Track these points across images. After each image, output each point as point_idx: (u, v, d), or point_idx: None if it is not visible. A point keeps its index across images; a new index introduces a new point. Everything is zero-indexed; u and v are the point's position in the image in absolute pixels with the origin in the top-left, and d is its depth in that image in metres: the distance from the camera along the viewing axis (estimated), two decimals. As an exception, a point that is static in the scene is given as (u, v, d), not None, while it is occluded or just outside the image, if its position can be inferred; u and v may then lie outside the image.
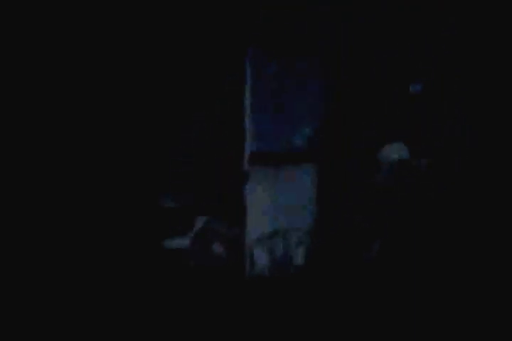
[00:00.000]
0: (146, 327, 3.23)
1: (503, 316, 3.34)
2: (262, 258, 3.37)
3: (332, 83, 3.55)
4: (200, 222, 3.38)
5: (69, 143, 3.37)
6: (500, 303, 3.38)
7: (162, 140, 3.50)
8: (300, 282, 3.40)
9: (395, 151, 3.50)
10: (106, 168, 3.41)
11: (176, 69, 3.54)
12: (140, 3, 3.46)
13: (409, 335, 3.33)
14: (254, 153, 3.32)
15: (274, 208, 3.38)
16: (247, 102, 3.42)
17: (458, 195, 3.60)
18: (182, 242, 3.38)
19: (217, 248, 3.39)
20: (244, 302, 3.35)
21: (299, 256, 3.39)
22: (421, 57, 3.65)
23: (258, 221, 3.40)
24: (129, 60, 3.46)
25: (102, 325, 3.20)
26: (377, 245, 3.54)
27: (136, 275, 3.35)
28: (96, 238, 3.37)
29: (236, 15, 3.50)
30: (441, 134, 3.66)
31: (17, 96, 3.26)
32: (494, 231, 3.52)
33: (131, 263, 3.37)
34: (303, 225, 3.44)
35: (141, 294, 3.30)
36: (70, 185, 3.36)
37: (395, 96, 3.70)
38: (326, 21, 3.58)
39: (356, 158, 3.62)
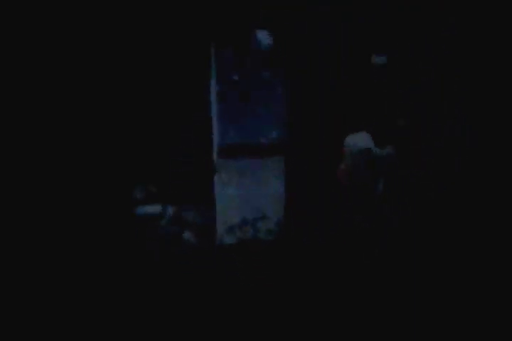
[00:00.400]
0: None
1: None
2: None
3: (296, 89, 3.67)
4: (170, 210, 3.61)
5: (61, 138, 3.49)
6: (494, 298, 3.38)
7: (144, 138, 3.67)
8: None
9: (360, 140, 3.52)
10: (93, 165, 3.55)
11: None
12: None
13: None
14: (221, 147, 3.49)
15: (242, 198, 3.53)
16: (213, 103, 3.58)
17: (457, 195, 3.58)
18: (153, 209, 3.66)
19: (188, 235, 3.59)
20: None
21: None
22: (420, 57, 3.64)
23: (227, 211, 3.56)
24: (129, 64, 3.60)
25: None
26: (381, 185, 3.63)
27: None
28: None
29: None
30: (437, 134, 3.63)
31: (14, 97, 3.36)
32: (492, 227, 3.50)
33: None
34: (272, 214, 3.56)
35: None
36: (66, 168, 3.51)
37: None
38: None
39: (322, 149, 3.68)
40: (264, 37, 3.63)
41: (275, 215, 3.60)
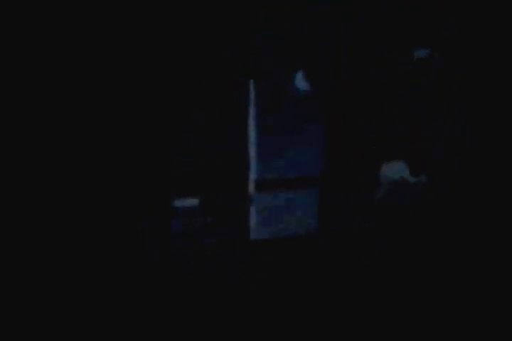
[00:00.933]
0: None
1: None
2: None
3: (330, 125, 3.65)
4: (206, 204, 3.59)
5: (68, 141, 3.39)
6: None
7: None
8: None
9: (394, 171, 3.55)
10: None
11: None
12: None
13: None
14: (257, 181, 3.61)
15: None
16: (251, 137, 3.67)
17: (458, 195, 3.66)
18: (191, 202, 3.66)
19: (222, 229, 3.60)
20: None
21: None
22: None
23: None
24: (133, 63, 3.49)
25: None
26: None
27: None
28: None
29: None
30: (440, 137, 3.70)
31: (17, 97, 3.26)
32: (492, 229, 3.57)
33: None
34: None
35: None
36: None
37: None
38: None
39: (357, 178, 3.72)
40: (302, 78, 3.52)
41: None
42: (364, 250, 3.59)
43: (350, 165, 3.85)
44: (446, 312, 3.34)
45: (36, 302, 3.23)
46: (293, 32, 3.77)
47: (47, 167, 3.34)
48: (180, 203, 3.58)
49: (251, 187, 3.78)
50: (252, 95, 3.77)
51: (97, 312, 3.24)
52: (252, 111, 3.80)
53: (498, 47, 3.58)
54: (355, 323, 3.35)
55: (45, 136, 3.33)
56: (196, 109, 3.64)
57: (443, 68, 3.63)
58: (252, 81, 3.75)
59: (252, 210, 3.72)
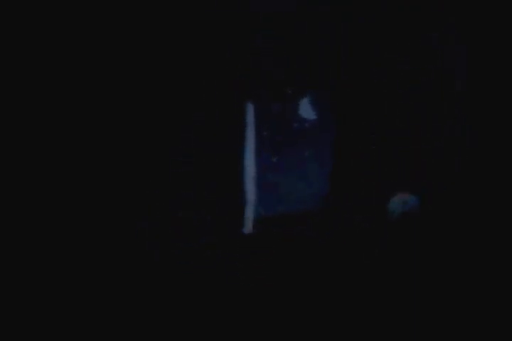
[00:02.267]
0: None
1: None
2: None
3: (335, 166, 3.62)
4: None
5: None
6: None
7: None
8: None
9: (400, 204, 3.58)
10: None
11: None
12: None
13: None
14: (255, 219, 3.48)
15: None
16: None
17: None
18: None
19: None
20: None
21: None
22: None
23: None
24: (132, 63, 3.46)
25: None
26: None
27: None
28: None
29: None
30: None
31: (15, 97, 3.26)
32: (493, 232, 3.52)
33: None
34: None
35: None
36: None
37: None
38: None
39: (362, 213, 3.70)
40: (308, 106, 3.43)
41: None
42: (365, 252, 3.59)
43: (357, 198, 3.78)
44: (446, 312, 3.37)
45: (35, 302, 3.20)
46: (298, 48, 3.49)
47: (55, 164, 3.36)
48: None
49: (248, 226, 3.51)
50: (249, 118, 3.46)
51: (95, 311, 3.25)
52: (249, 142, 3.48)
53: (498, 47, 3.59)
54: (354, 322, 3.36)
55: (49, 136, 3.35)
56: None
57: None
58: (249, 106, 3.43)
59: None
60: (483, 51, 3.65)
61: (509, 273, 3.41)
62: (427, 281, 3.44)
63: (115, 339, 3.19)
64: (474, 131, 3.63)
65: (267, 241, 3.51)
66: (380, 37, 3.63)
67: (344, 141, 3.62)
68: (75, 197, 3.35)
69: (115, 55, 3.39)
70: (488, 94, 3.64)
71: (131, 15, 3.40)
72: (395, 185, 3.63)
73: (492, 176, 3.58)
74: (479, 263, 3.47)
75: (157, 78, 3.45)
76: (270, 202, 3.55)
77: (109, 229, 3.38)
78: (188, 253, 3.48)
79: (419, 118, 3.67)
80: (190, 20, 3.44)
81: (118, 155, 3.45)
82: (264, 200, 3.54)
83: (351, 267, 3.51)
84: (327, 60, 3.59)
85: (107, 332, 3.20)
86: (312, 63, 3.58)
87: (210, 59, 3.43)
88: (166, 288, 3.39)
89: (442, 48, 3.63)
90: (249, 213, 3.52)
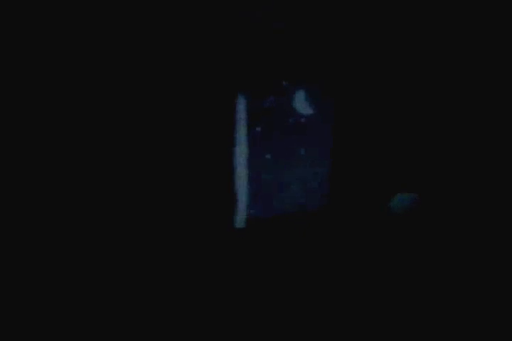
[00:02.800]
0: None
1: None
2: None
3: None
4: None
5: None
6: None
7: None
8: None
9: (403, 203, 3.46)
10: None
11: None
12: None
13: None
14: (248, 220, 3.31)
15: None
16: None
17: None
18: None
19: None
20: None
21: None
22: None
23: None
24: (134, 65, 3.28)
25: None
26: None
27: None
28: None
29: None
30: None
31: (18, 97, 3.18)
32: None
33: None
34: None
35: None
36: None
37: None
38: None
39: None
40: (303, 100, 3.19)
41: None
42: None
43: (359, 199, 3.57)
44: (446, 312, 3.29)
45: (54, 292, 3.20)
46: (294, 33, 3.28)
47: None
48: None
49: (240, 224, 3.36)
50: (240, 117, 3.23)
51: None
52: (240, 139, 3.28)
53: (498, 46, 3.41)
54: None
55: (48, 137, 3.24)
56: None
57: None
58: (240, 100, 3.20)
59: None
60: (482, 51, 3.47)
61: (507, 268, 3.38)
62: (428, 277, 3.37)
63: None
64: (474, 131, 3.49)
65: (258, 239, 3.36)
66: (382, 26, 3.41)
67: (344, 138, 3.41)
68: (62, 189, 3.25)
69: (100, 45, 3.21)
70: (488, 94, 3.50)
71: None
72: (396, 183, 3.51)
73: (492, 176, 3.50)
74: (478, 259, 3.43)
75: (140, 69, 3.26)
76: (263, 202, 3.38)
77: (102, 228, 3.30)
78: (181, 247, 3.37)
79: (424, 113, 3.49)
80: (176, 10, 3.24)
81: (103, 153, 3.30)
82: (256, 199, 3.37)
83: (349, 266, 3.40)
84: (326, 49, 3.35)
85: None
86: (310, 52, 3.35)
87: (197, 48, 3.19)
88: (161, 279, 3.31)
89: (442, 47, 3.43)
90: (241, 213, 3.34)
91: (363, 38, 3.35)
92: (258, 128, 3.30)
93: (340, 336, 3.12)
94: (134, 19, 3.24)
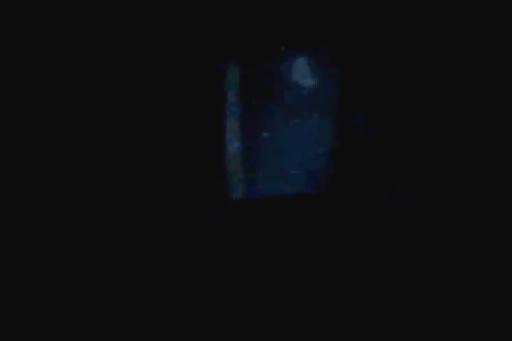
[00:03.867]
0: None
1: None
2: None
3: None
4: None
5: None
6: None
7: None
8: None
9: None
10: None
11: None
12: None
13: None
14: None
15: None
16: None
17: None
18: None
19: None
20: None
21: None
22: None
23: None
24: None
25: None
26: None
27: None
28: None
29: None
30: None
31: (17, 97, 3.12)
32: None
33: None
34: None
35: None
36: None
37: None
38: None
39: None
40: (303, 66, 2.80)
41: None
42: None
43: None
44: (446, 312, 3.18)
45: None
46: None
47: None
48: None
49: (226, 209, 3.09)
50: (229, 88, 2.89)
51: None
52: (232, 113, 2.96)
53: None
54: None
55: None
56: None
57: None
58: (231, 67, 2.96)
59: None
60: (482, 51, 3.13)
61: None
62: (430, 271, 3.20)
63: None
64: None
65: (247, 227, 3.13)
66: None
67: (350, 113, 3.04)
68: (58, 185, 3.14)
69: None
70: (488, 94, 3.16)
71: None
72: (405, 167, 3.21)
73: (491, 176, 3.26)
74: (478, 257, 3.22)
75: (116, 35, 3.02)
76: (258, 183, 3.08)
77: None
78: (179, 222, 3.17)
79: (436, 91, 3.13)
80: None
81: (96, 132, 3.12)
82: (250, 181, 3.07)
83: (348, 256, 3.18)
84: (330, 7, 2.92)
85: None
86: (312, 10, 2.93)
87: (181, 4, 2.83)
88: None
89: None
90: (234, 193, 3.07)
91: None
92: (253, 102, 2.96)
93: (339, 331, 3.07)
94: None
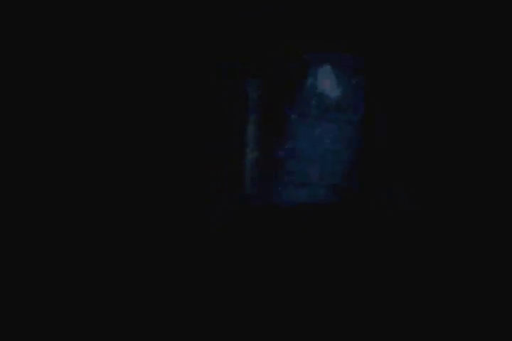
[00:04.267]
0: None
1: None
2: None
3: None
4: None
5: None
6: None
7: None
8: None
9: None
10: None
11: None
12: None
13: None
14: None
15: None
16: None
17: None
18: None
19: None
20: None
21: None
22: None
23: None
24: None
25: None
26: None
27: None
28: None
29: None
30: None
31: (17, 98, 3.14)
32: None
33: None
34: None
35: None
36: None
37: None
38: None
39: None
40: (327, 74, 2.77)
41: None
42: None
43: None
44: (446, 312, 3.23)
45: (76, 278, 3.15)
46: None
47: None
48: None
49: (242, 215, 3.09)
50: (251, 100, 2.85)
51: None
52: (252, 125, 2.90)
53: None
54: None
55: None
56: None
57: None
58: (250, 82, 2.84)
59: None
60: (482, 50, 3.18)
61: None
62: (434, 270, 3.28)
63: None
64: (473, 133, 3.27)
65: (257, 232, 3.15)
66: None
67: (377, 124, 3.01)
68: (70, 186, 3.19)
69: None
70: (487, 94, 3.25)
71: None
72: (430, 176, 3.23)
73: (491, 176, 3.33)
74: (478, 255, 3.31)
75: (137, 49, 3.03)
76: (279, 191, 3.04)
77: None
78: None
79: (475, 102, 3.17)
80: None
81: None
82: (271, 188, 3.03)
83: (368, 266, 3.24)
84: (359, 13, 2.92)
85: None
86: (337, 16, 2.92)
87: (198, 20, 2.84)
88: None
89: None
90: (254, 200, 3.09)
91: None
92: (276, 111, 2.92)
93: (341, 328, 3.07)
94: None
